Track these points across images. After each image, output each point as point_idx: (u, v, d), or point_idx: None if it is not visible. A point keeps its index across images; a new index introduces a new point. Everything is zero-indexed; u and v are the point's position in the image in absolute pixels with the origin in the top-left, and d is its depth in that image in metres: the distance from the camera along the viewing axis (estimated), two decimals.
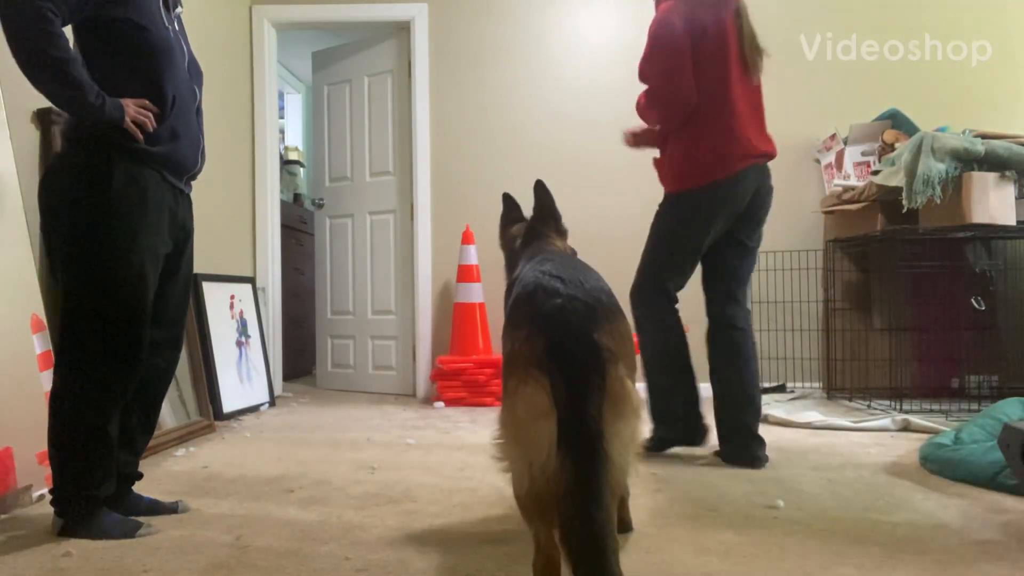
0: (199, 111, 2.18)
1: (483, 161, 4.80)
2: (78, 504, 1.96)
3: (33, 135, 2.77)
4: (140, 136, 1.95)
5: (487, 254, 4.60)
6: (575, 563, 1.19)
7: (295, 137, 7.10)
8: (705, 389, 2.89)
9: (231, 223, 4.53)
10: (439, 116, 4.83)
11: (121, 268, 1.94)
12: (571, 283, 1.46)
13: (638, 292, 2.95)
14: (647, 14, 3.07)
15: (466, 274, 4.57)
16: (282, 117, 6.59)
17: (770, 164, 2.88)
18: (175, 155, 2.06)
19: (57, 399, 1.96)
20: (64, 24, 1.86)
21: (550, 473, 1.27)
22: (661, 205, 2.95)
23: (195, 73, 2.17)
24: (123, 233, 1.94)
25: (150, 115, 1.97)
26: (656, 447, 2.90)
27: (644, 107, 2.89)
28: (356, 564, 1.73)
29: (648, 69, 2.82)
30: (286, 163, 6.51)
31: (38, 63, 1.84)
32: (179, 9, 2.19)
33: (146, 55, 2.00)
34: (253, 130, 4.82)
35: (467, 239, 4.61)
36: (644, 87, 2.88)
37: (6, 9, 1.81)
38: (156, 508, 2.18)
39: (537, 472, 1.29)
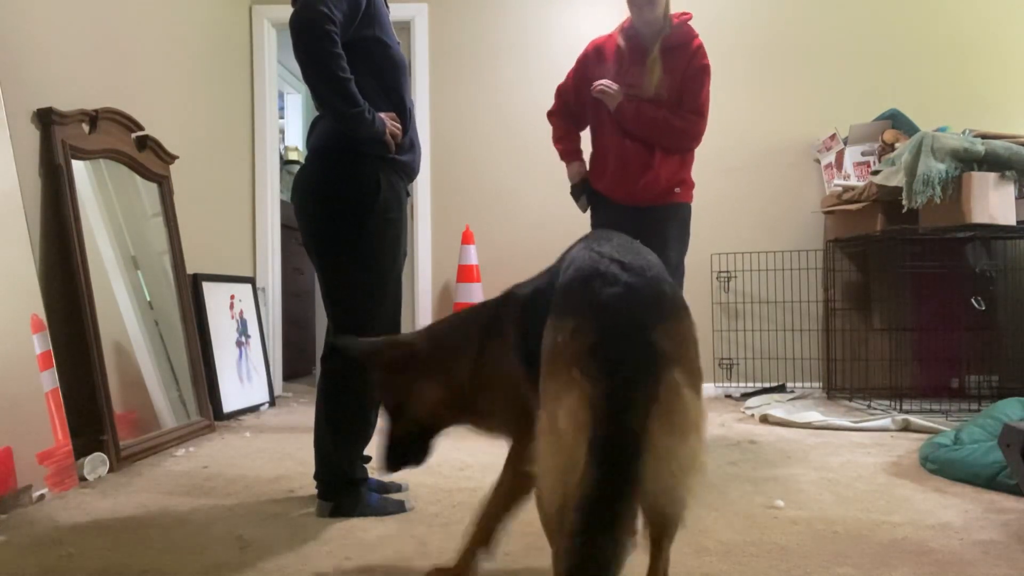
0: None
1: (483, 161, 4.80)
2: (346, 487, 2.12)
3: (33, 135, 2.77)
4: (393, 148, 2.13)
5: (487, 254, 4.60)
6: None
7: (295, 137, 7.10)
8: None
9: (231, 223, 4.53)
10: (439, 115, 4.83)
11: (392, 269, 2.16)
12: (633, 270, 1.26)
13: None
14: None
15: (466, 274, 4.57)
16: (282, 117, 6.58)
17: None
18: (414, 163, 2.26)
19: (331, 392, 2.13)
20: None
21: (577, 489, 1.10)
22: (682, 216, 3.08)
23: None
24: (391, 236, 2.14)
25: (399, 126, 2.15)
26: None
27: (671, 130, 2.97)
28: (356, 564, 1.73)
29: (706, 104, 3.01)
30: (286, 163, 6.50)
31: (327, 82, 2.00)
32: None
33: (390, 71, 2.18)
34: (253, 130, 4.81)
35: (467, 239, 4.61)
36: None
37: (300, 31, 1.97)
38: (385, 488, 2.33)
39: (573, 490, 1.10)
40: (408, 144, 2.22)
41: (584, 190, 3.15)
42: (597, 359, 1.13)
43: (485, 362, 1.56)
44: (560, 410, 1.14)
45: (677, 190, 3.03)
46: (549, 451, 1.16)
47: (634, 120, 2.96)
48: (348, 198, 2.09)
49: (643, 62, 2.99)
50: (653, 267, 1.33)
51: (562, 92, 3.23)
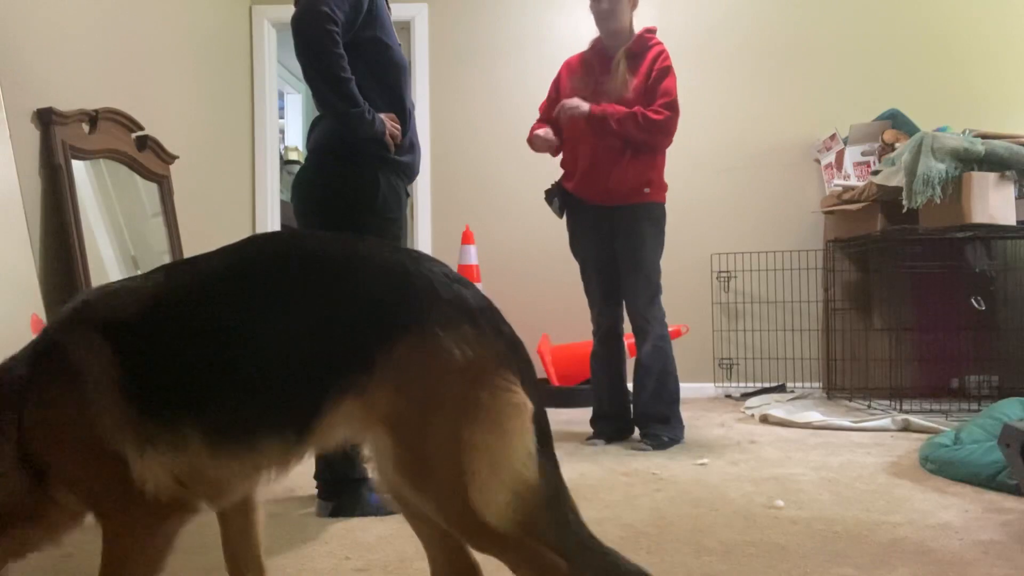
0: None
1: (483, 161, 4.80)
2: (347, 487, 2.09)
3: (33, 135, 2.77)
4: (393, 148, 2.13)
5: (487, 254, 4.60)
6: (583, 564, 1.10)
7: (295, 137, 7.10)
8: (691, 389, 2.93)
9: (231, 223, 4.53)
10: (439, 116, 4.83)
11: None
12: (449, 268, 1.23)
13: (657, 303, 3.11)
14: (644, 16, 3.14)
15: (466, 274, 4.54)
16: (282, 117, 6.58)
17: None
18: (414, 164, 2.27)
19: None
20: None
21: (531, 489, 1.09)
22: (654, 215, 3.12)
23: None
24: (391, 236, 2.14)
25: (399, 127, 2.15)
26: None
27: (650, 124, 3.00)
28: (356, 564, 1.73)
29: (677, 101, 3.05)
30: (286, 163, 6.50)
31: (328, 82, 2.01)
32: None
33: (391, 72, 2.18)
34: (253, 130, 4.81)
35: (467, 239, 4.60)
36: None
37: (302, 31, 1.98)
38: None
39: (525, 494, 1.09)
40: (408, 145, 2.22)
41: (556, 193, 3.22)
42: (516, 359, 1.13)
43: (41, 436, 1.12)
44: (504, 412, 1.08)
45: (647, 190, 3.10)
46: (502, 457, 1.08)
47: (601, 122, 3.01)
48: (347, 198, 2.09)
49: (609, 70, 3.11)
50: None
51: (544, 112, 3.32)
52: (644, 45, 3.12)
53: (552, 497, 1.10)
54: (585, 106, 3.01)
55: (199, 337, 1.12)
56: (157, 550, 1.17)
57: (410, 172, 2.27)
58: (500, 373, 1.09)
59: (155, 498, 1.11)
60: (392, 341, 1.08)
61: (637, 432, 3.17)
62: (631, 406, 3.25)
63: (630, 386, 3.27)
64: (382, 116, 2.10)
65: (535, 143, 3.18)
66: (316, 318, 1.11)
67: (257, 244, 1.28)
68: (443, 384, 1.07)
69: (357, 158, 2.10)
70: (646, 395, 3.10)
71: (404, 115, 2.21)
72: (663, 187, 3.16)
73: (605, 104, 3.02)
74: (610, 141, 3.03)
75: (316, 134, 2.18)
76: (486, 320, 1.13)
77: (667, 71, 3.06)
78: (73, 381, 1.10)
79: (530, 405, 1.10)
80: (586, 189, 3.13)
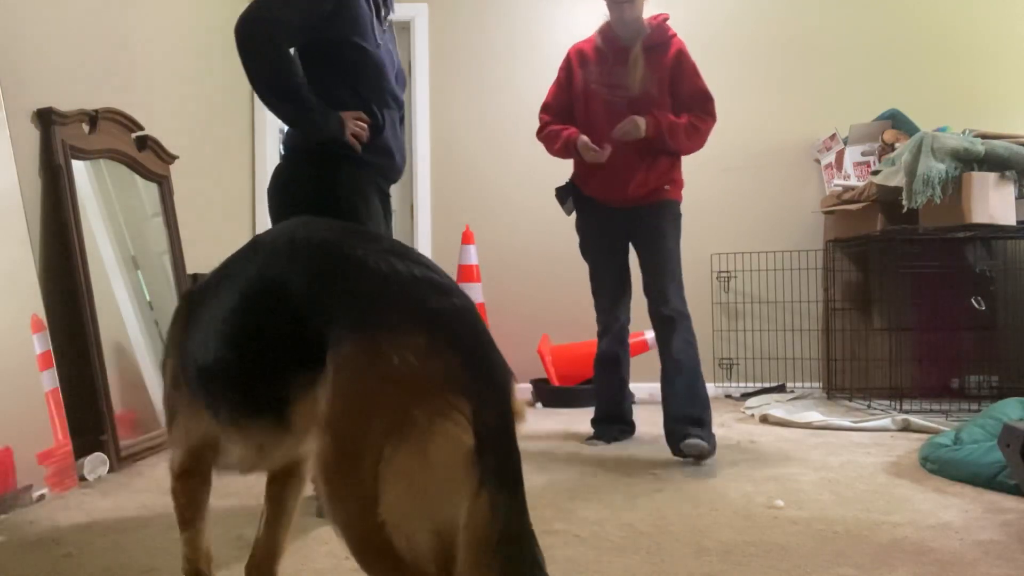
0: (402, 118, 2.33)
1: (483, 161, 4.80)
2: None
3: (33, 135, 2.77)
4: (359, 148, 2.07)
5: (487, 254, 4.60)
6: None
7: None
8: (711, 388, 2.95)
9: (231, 222, 4.52)
10: (439, 116, 4.83)
11: None
12: (437, 269, 1.12)
13: (681, 296, 3.01)
14: (644, 15, 3.11)
15: (466, 274, 4.56)
16: None
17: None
18: (390, 167, 2.22)
19: None
20: (291, 47, 1.99)
21: (467, 525, 0.98)
22: (673, 211, 3.05)
23: (401, 82, 2.29)
24: None
25: (366, 126, 2.09)
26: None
27: (696, 133, 2.96)
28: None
29: (714, 104, 3.00)
30: None
31: (272, 87, 1.99)
32: (391, 16, 2.28)
33: (364, 74, 2.12)
34: (253, 130, 4.82)
35: (467, 239, 4.61)
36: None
37: (243, 39, 1.99)
38: None
39: (445, 533, 0.99)
40: (384, 146, 2.17)
41: (571, 192, 3.12)
42: (474, 378, 0.99)
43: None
44: (436, 441, 0.96)
45: (667, 187, 3.03)
46: (418, 494, 0.98)
47: (656, 132, 2.89)
48: (309, 198, 2.04)
49: (625, 62, 2.99)
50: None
51: (547, 108, 3.16)
52: (663, 37, 2.99)
53: (507, 540, 0.95)
54: (643, 126, 2.86)
55: (203, 315, 1.28)
56: (191, 488, 1.43)
57: (386, 174, 2.22)
58: (445, 395, 0.97)
59: (181, 448, 1.36)
60: (340, 339, 1.03)
61: (658, 440, 2.94)
62: (632, 408, 3.24)
63: (630, 387, 3.27)
64: (344, 115, 2.04)
65: (585, 155, 2.93)
66: (277, 308, 1.15)
67: (272, 231, 1.40)
68: (377, 392, 0.99)
69: (322, 159, 2.06)
70: (682, 395, 2.82)
71: (376, 117, 2.14)
72: (681, 184, 3.09)
73: (656, 113, 2.89)
74: (632, 144, 2.91)
75: (287, 132, 2.18)
76: (448, 332, 1.01)
77: (694, 72, 2.98)
78: (175, 336, 1.38)
79: (468, 442, 0.96)
80: (605, 191, 3.02)
